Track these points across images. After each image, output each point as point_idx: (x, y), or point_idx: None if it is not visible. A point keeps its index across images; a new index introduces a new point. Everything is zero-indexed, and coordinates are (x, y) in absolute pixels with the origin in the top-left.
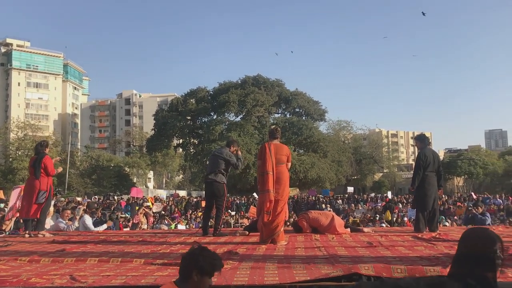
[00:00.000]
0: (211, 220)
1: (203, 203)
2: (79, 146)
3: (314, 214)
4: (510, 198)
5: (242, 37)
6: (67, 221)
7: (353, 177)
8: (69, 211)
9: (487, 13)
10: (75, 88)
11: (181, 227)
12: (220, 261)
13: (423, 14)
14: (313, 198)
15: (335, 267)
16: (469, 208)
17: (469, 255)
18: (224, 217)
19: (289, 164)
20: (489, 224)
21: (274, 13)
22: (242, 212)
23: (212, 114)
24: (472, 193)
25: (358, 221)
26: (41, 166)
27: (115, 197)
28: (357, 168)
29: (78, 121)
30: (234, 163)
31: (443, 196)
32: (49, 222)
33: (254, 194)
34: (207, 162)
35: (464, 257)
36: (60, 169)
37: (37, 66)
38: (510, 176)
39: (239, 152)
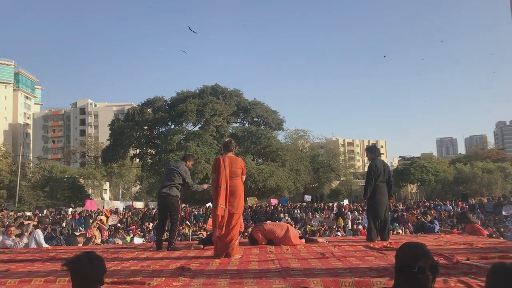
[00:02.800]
0: (165, 234)
1: None
2: (31, 157)
3: (269, 225)
4: (460, 204)
5: (200, 47)
6: (13, 238)
7: (311, 186)
8: (13, 228)
9: (435, 23)
10: (27, 97)
11: (138, 240)
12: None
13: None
14: (271, 207)
15: (286, 281)
16: (419, 217)
17: (400, 268)
18: (181, 229)
19: (244, 177)
20: (437, 232)
21: (231, 24)
22: (200, 223)
23: (170, 123)
24: (424, 200)
25: (316, 230)
26: None
27: (69, 211)
28: (315, 177)
29: (30, 131)
30: (189, 182)
31: (397, 203)
32: None
33: (209, 204)
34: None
35: (397, 270)
36: None
37: None
38: (460, 183)
39: (206, 187)
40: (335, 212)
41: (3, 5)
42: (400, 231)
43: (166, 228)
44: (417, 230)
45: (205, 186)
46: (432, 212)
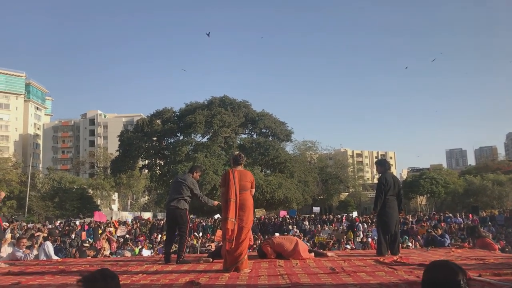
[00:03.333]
0: (174, 246)
1: None
2: (40, 168)
3: (279, 239)
4: (471, 217)
5: (209, 58)
6: (24, 249)
7: (319, 197)
8: (25, 240)
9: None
10: (37, 108)
11: (146, 252)
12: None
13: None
14: (280, 219)
15: None
16: (429, 231)
17: (434, 285)
18: (189, 240)
19: (253, 190)
20: (448, 245)
21: (240, 36)
22: (208, 235)
23: (179, 135)
24: (434, 212)
25: (325, 242)
26: None
27: (77, 222)
28: (323, 188)
29: (40, 142)
30: (198, 193)
31: (407, 216)
32: (5, 250)
33: (218, 215)
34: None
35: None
36: (2, 194)
37: None
38: (470, 195)
39: (216, 203)
40: (346, 225)
41: (14, 17)
42: (410, 244)
43: (175, 241)
44: (428, 244)
45: (215, 203)
46: (442, 224)
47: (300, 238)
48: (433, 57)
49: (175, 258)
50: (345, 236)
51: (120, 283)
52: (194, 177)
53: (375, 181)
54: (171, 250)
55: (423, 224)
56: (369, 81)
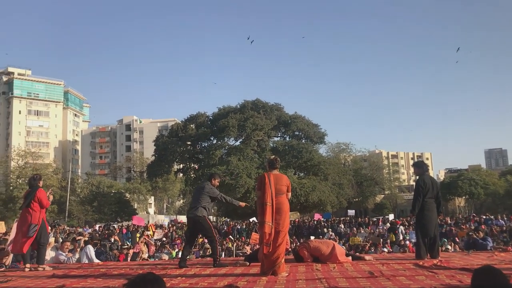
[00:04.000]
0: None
1: None
2: (79, 173)
3: (315, 243)
4: None
5: (241, 62)
6: (67, 253)
7: (354, 200)
8: (68, 243)
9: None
10: (75, 115)
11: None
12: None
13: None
14: (314, 222)
15: None
16: (470, 233)
17: None
18: (224, 243)
19: (289, 194)
20: (490, 249)
21: (272, 38)
22: (243, 238)
23: (212, 138)
24: (474, 214)
25: (361, 246)
26: (34, 200)
27: (115, 226)
28: (358, 190)
29: (79, 147)
30: (218, 195)
31: (446, 218)
32: (49, 254)
33: (254, 218)
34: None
35: None
36: (51, 197)
37: (38, 94)
38: None
39: (242, 205)
40: (382, 228)
41: (52, 26)
42: (449, 247)
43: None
44: (468, 247)
45: (242, 204)
46: (483, 227)
47: (335, 241)
48: (470, 51)
49: (212, 263)
50: (381, 240)
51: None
52: (213, 184)
53: (412, 182)
54: (207, 254)
55: (462, 226)
56: (402, 81)
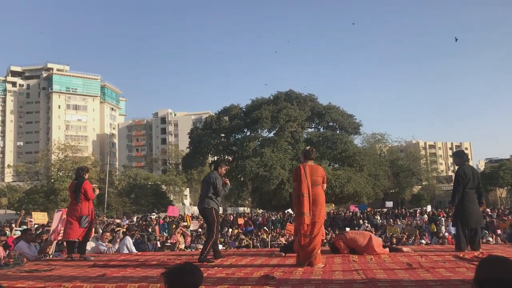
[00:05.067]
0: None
1: (239, 220)
2: (117, 166)
3: (351, 234)
4: None
5: (274, 53)
6: (107, 243)
7: (391, 191)
8: (108, 234)
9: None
10: (112, 108)
11: (219, 246)
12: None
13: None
14: (350, 214)
15: None
16: None
17: (485, 283)
18: (259, 234)
19: (325, 185)
20: None
21: (307, 27)
22: (278, 229)
23: (246, 130)
24: None
25: (398, 233)
26: (81, 191)
27: (152, 217)
28: (395, 181)
29: (116, 141)
30: (219, 188)
31: (486, 209)
32: (89, 244)
33: (289, 210)
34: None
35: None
36: (97, 191)
37: (76, 89)
38: None
39: (227, 181)
40: (424, 219)
41: (87, 18)
42: (490, 239)
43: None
44: (511, 239)
45: (227, 180)
46: None
47: (372, 233)
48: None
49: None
50: (418, 231)
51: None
52: (220, 173)
53: (450, 173)
54: (243, 244)
55: (504, 218)
56: (438, 68)
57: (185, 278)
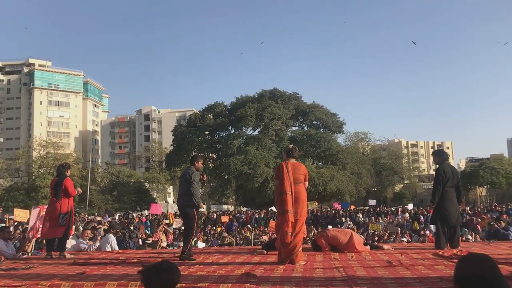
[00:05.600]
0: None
1: (223, 218)
2: (99, 163)
3: (333, 232)
4: None
5: (258, 51)
6: (87, 241)
7: (373, 189)
8: (89, 231)
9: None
10: (95, 105)
11: (201, 244)
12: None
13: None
14: (333, 211)
15: None
16: (491, 223)
17: (464, 281)
18: (243, 232)
19: (307, 183)
20: None
21: (290, 26)
22: (261, 227)
23: (230, 128)
24: (496, 204)
25: (380, 230)
26: (61, 188)
27: (134, 215)
28: (377, 180)
29: (99, 137)
30: (193, 186)
31: (465, 208)
32: (70, 242)
33: (273, 208)
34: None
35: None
36: (79, 190)
37: (58, 85)
38: None
39: (204, 177)
40: (406, 217)
41: (70, 18)
42: (469, 237)
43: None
44: (490, 236)
45: (202, 205)
46: (505, 216)
47: (354, 231)
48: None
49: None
50: (399, 229)
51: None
52: (197, 167)
53: (431, 172)
54: (225, 242)
55: (483, 216)
56: (421, 67)
57: (163, 276)
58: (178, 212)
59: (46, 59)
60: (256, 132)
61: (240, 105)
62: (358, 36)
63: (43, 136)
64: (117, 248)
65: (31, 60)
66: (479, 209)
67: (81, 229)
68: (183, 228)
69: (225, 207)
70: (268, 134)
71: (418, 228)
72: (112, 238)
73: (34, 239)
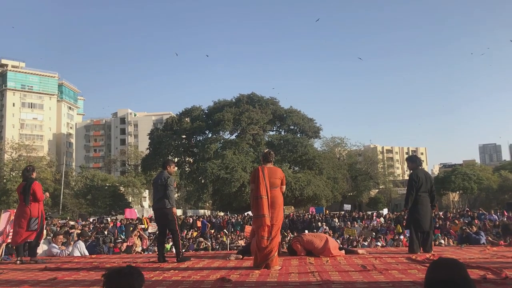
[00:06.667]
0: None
1: (199, 223)
2: (74, 166)
3: (308, 236)
4: (506, 214)
5: (237, 55)
6: (60, 246)
7: (349, 194)
8: (61, 236)
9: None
10: (70, 107)
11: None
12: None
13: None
14: (309, 216)
15: None
16: (463, 228)
17: (432, 285)
18: (219, 237)
19: (284, 187)
20: (483, 243)
21: (268, 32)
22: (237, 232)
23: (207, 132)
24: (468, 209)
25: (355, 235)
26: (30, 192)
27: (109, 219)
28: (353, 185)
29: (73, 140)
30: (168, 190)
31: (439, 212)
32: (41, 247)
33: (249, 212)
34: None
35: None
36: (47, 195)
37: (32, 87)
38: (505, 191)
39: (174, 184)
40: (381, 221)
41: (45, 19)
42: (442, 241)
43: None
44: (462, 241)
45: (174, 210)
46: (476, 221)
47: (329, 235)
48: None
49: (175, 258)
50: (373, 234)
51: (152, 279)
52: (169, 172)
53: (406, 177)
54: (201, 247)
55: (455, 221)
56: (397, 75)
57: (122, 280)
58: (154, 217)
59: (20, 60)
60: (233, 137)
61: (217, 109)
62: (335, 40)
63: (16, 138)
64: (87, 253)
65: (3, 61)
66: (451, 214)
67: (52, 234)
68: (157, 232)
69: (201, 211)
70: (246, 139)
71: (401, 230)
72: (82, 245)
73: (4, 244)
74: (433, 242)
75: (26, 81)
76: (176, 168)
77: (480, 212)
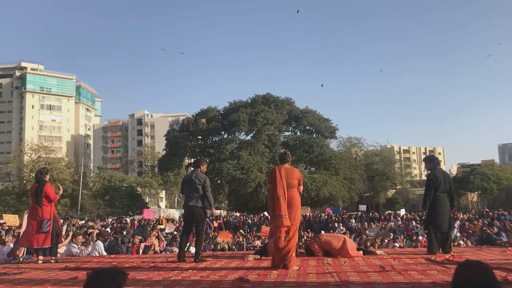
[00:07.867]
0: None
1: (215, 223)
2: (91, 167)
3: (326, 237)
4: None
5: (253, 56)
6: (79, 246)
7: (365, 194)
8: (81, 236)
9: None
10: (87, 109)
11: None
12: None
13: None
14: (326, 217)
15: None
16: (484, 228)
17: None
18: (235, 237)
19: (301, 187)
20: (504, 244)
21: (284, 31)
22: (254, 232)
23: (223, 133)
24: (487, 210)
25: (371, 242)
26: (42, 195)
27: (127, 219)
28: (370, 185)
29: (91, 142)
30: (207, 189)
31: (458, 213)
32: (62, 247)
33: (265, 212)
34: (182, 187)
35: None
36: (60, 191)
37: (51, 89)
38: None
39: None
40: (398, 222)
41: (64, 22)
42: (461, 242)
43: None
44: (482, 242)
45: (214, 211)
46: (496, 222)
47: (346, 236)
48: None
49: (194, 258)
50: (392, 234)
51: (171, 279)
52: (202, 171)
53: (423, 177)
54: (218, 248)
55: (475, 222)
56: (414, 75)
57: (98, 280)
58: (174, 216)
59: (39, 63)
60: (249, 137)
61: (233, 110)
62: (353, 42)
63: (35, 140)
64: (105, 253)
65: (23, 64)
66: (470, 215)
67: (71, 234)
68: (175, 233)
69: (217, 212)
70: (261, 139)
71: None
72: (100, 245)
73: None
74: (452, 243)
75: (44, 83)
76: (205, 167)
77: (500, 212)
